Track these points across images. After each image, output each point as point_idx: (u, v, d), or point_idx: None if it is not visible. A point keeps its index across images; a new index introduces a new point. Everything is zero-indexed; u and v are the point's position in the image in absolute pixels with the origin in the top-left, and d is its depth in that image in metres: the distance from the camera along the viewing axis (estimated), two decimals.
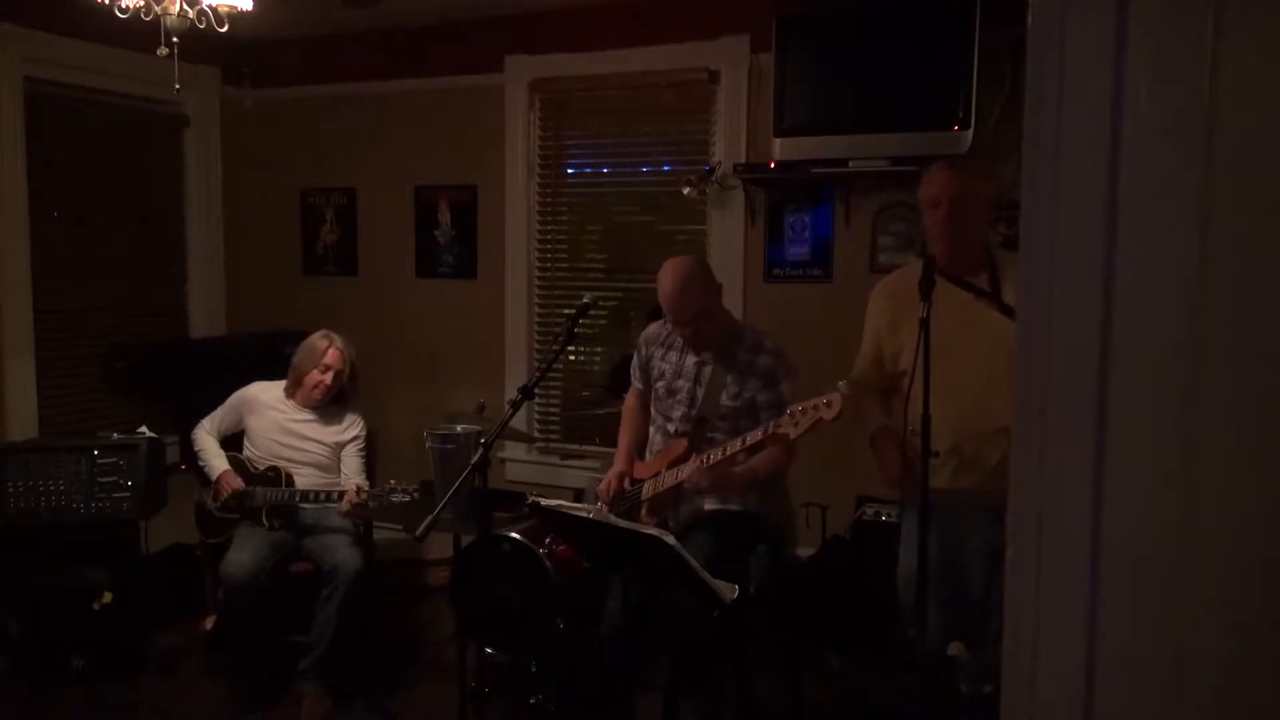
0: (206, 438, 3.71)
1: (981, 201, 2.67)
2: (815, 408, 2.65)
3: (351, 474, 3.70)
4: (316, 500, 3.51)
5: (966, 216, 2.62)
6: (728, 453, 2.85)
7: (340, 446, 3.74)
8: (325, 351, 3.65)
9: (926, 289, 2.46)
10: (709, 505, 3.07)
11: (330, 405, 3.74)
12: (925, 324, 2.44)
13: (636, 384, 3.31)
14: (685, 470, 2.93)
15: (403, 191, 5.05)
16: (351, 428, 3.77)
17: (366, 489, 3.45)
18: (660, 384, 3.17)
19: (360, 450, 3.78)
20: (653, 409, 3.23)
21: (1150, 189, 0.84)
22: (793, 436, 2.69)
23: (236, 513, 3.56)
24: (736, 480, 2.96)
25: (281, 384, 3.75)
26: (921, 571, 2.60)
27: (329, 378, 3.64)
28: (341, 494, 3.45)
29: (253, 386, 3.79)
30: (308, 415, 3.71)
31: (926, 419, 2.53)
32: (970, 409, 2.55)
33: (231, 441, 3.76)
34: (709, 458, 2.86)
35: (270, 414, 3.70)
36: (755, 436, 2.80)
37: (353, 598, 3.39)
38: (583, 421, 4.70)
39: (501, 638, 3.31)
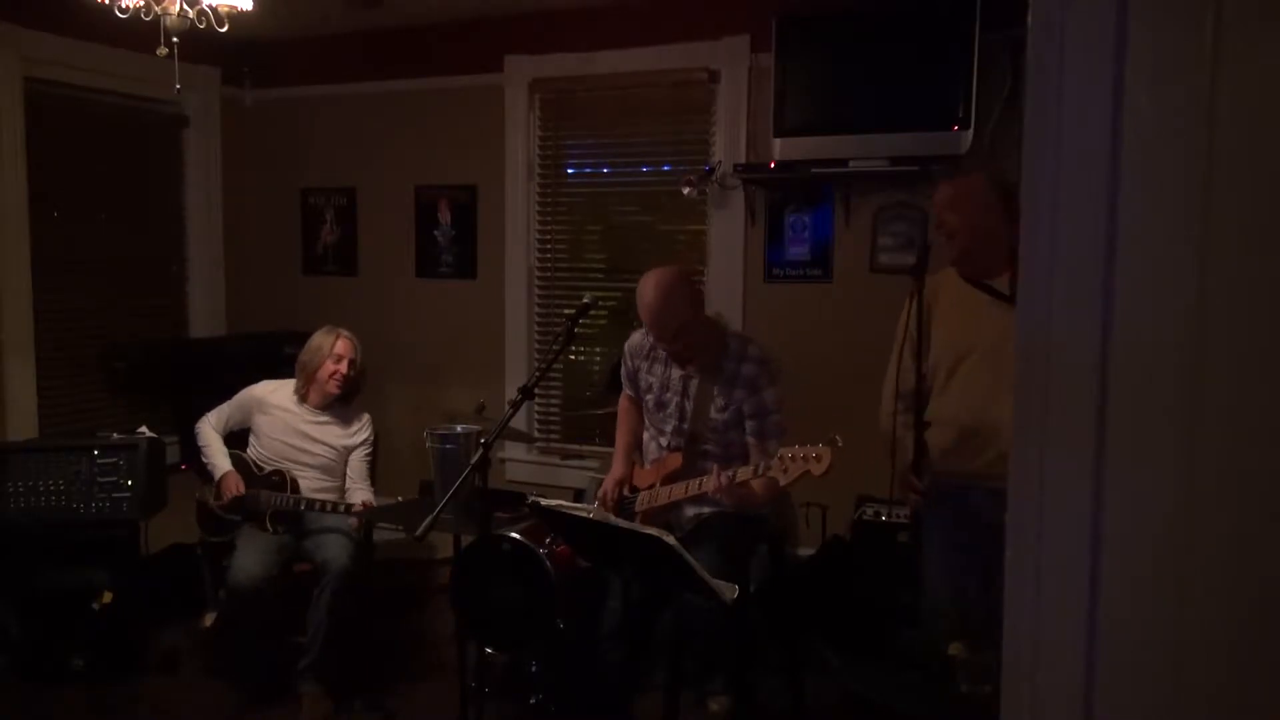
0: (211, 433, 3.67)
1: (988, 207, 2.67)
2: (805, 458, 2.62)
3: (356, 479, 3.69)
4: (323, 511, 3.48)
5: (973, 226, 2.66)
6: (712, 486, 2.81)
7: (349, 450, 3.72)
8: (334, 342, 3.66)
9: (919, 271, 2.64)
10: (710, 509, 3.07)
11: (341, 406, 3.72)
12: (919, 298, 2.63)
13: (627, 390, 3.31)
14: (678, 490, 2.95)
15: (403, 191, 5.05)
16: (361, 431, 3.76)
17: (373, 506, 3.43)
18: (649, 397, 3.15)
19: (367, 456, 3.76)
20: (645, 419, 3.23)
21: (1150, 189, 0.84)
22: (782, 484, 2.67)
23: (239, 514, 3.55)
24: (753, 498, 2.91)
25: (290, 383, 3.72)
26: (918, 570, 2.63)
27: (344, 366, 3.64)
28: (349, 507, 3.44)
29: (260, 386, 3.76)
30: (320, 418, 3.69)
31: (919, 394, 2.68)
32: (981, 407, 2.59)
33: (236, 439, 3.73)
34: (718, 478, 2.80)
35: (281, 415, 3.67)
36: (746, 474, 2.76)
37: (342, 595, 3.36)
38: (583, 421, 4.70)
39: (501, 638, 3.31)
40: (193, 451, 3.77)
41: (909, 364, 2.73)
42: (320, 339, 3.69)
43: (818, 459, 2.60)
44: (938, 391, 2.73)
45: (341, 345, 3.67)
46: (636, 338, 3.23)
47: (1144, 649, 0.87)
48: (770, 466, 2.69)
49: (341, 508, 3.45)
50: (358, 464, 3.73)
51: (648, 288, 2.94)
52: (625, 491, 3.16)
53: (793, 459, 2.64)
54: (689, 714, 3.24)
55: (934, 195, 2.78)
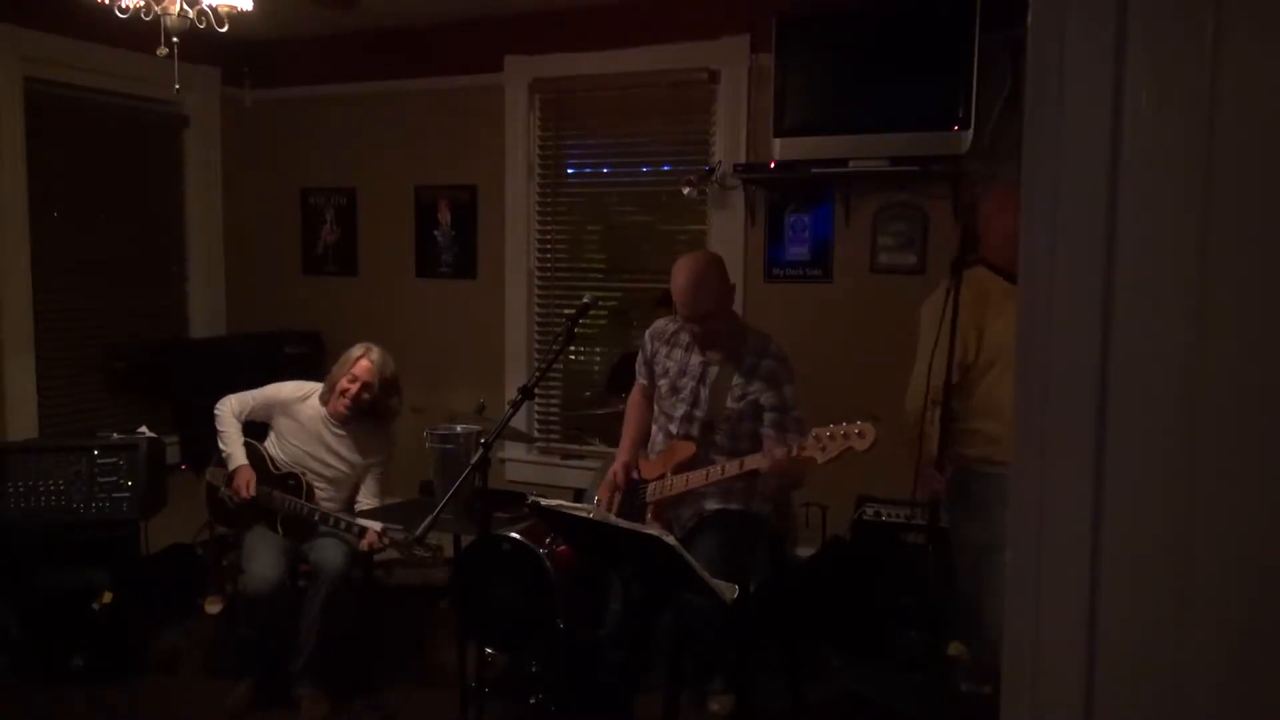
0: (231, 419, 3.58)
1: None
2: (846, 435, 2.56)
3: (369, 494, 3.66)
4: (336, 526, 3.42)
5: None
6: (742, 468, 2.83)
7: (366, 468, 3.66)
8: (356, 361, 3.56)
9: (958, 266, 2.61)
10: (712, 506, 3.07)
11: (370, 425, 3.63)
12: (955, 294, 2.56)
13: (641, 379, 3.30)
14: (696, 478, 2.94)
15: (403, 191, 5.05)
16: (381, 451, 3.70)
17: (385, 536, 3.35)
18: (664, 381, 3.16)
19: (380, 473, 3.72)
20: (655, 406, 3.23)
21: (1150, 188, 0.84)
22: (820, 462, 2.61)
23: (250, 509, 3.51)
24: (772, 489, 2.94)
25: (317, 388, 3.65)
26: (933, 570, 2.63)
27: (355, 388, 3.53)
28: (361, 530, 3.35)
29: (288, 388, 3.67)
30: (340, 430, 3.60)
31: (948, 385, 2.61)
32: None
33: (253, 428, 3.66)
34: (739, 464, 2.83)
35: (307, 424, 3.60)
36: (782, 454, 2.74)
37: (336, 598, 3.33)
38: (583, 421, 4.70)
39: (501, 638, 3.31)
40: (195, 430, 3.66)
41: (942, 357, 2.66)
42: (350, 351, 3.61)
43: (861, 435, 2.55)
44: (990, 384, 2.69)
45: (360, 367, 3.55)
46: (660, 323, 3.26)
47: (1144, 649, 0.87)
48: (805, 446, 2.65)
49: (355, 529, 3.39)
50: (372, 480, 3.68)
51: (683, 270, 2.98)
52: (634, 475, 3.15)
53: (831, 437, 2.59)
54: (689, 714, 3.24)
55: (1002, 202, 2.78)
